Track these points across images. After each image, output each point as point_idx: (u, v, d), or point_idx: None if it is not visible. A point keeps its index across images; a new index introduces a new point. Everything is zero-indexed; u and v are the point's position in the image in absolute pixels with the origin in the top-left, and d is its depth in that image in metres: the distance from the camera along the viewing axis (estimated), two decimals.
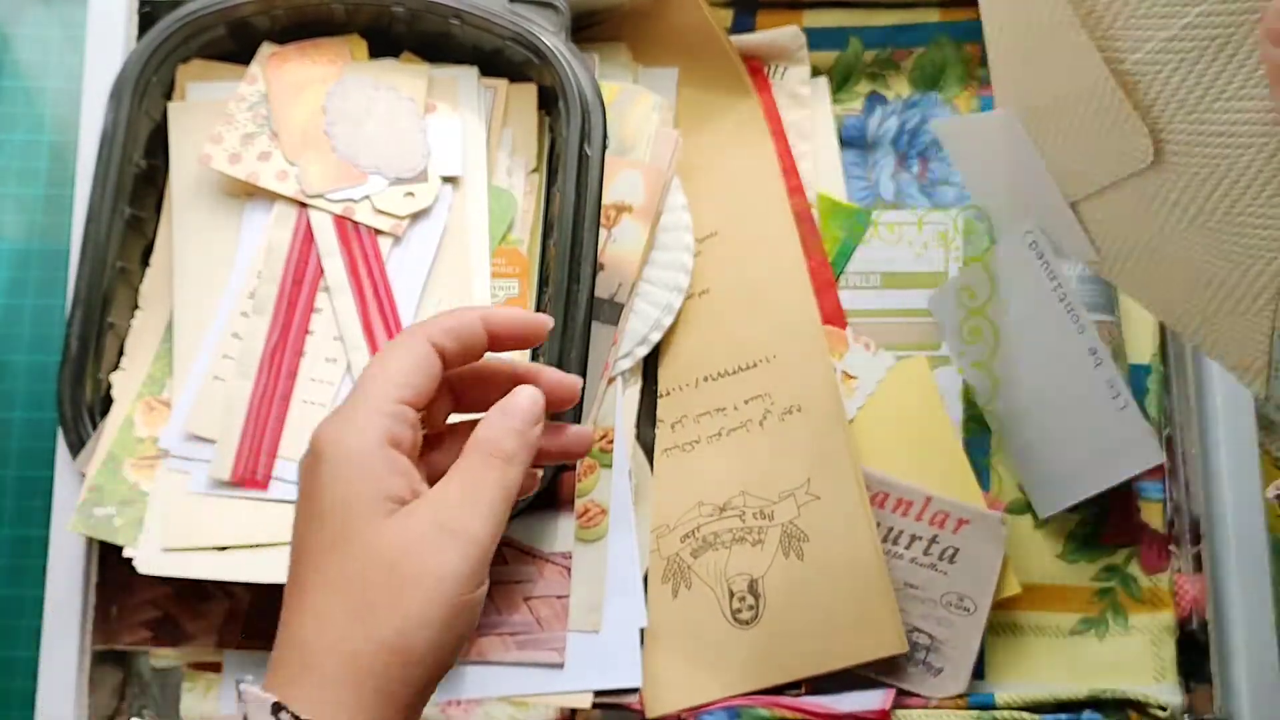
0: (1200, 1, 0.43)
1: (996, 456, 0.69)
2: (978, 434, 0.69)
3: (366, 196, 0.65)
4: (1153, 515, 0.68)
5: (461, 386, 0.49)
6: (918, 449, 0.68)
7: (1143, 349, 0.69)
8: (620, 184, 0.68)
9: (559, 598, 0.65)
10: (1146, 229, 0.49)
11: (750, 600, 0.66)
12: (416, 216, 0.65)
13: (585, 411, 0.63)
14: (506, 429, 0.45)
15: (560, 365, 0.62)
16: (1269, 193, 0.44)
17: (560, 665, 0.64)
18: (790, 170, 0.72)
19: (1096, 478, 0.65)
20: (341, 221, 0.65)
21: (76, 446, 0.63)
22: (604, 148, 0.64)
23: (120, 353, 0.65)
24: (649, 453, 0.68)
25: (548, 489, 0.63)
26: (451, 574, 0.42)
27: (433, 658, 0.42)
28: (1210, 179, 0.45)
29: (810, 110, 0.73)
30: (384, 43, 0.68)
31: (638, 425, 0.68)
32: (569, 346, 0.62)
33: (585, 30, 0.73)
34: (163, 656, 0.66)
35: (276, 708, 0.40)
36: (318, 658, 0.41)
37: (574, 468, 0.65)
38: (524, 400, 0.46)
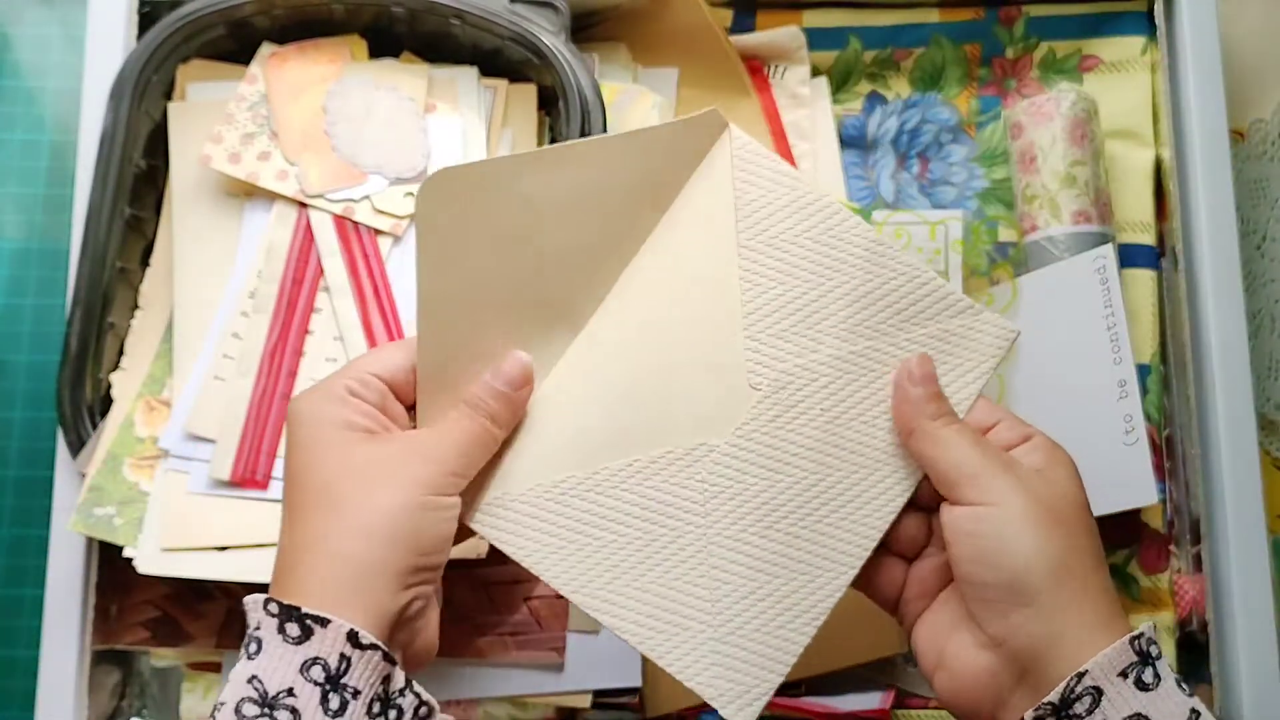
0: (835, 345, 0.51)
1: None
2: None
3: (366, 196, 0.65)
4: (1153, 515, 0.68)
5: None
6: None
7: (1143, 349, 0.69)
8: None
9: (559, 598, 0.65)
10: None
11: None
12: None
13: None
14: (490, 388, 0.50)
15: None
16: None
17: (560, 665, 0.64)
18: None
19: None
20: (341, 221, 0.65)
21: (76, 446, 0.62)
22: None
23: (120, 353, 0.65)
24: None
25: None
26: (417, 477, 0.47)
27: (405, 543, 0.46)
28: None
29: (810, 110, 0.73)
30: (384, 43, 0.68)
31: None
32: None
33: (585, 30, 0.73)
34: (163, 656, 0.66)
35: (266, 601, 0.44)
36: (297, 555, 0.46)
37: None
38: (511, 364, 0.50)
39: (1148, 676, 0.45)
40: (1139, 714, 0.44)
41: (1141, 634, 0.45)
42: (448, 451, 0.48)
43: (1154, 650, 0.45)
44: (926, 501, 0.53)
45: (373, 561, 0.45)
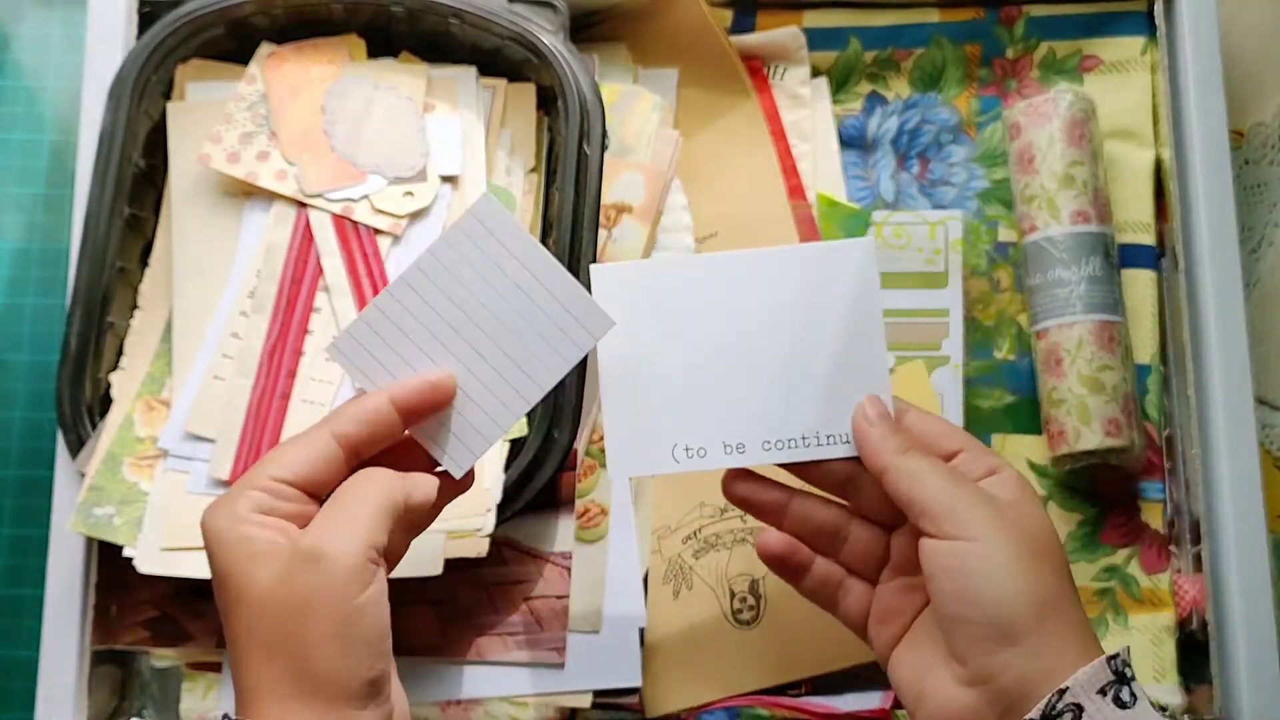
0: None
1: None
2: (979, 435, 0.69)
3: (365, 196, 0.65)
4: (1153, 515, 0.68)
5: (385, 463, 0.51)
6: None
7: (1143, 349, 0.69)
8: (621, 185, 0.68)
9: (559, 598, 0.65)
10: None
11: (751, 601, 0.66)
12: (415, 216, 0.65)
13: (586, 411, 0.63)
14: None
15: None
16: None
17: (560, 665, 0.64)
18: (790, 170, 0.72)
19: None
20: (340, 221, 0.65)
21: (76, 446, 0.62)
22: (603, 147, 0.64)
23: (120, 352, 0.65)
24: None
25: (547, 489, 0.63)
26: (332, 591, 0.45)
27: (346, 661, 0.45)
28: None
29: (810, 110, 0.73)
30: (383, 42, 0.68)
31: None
32: None
33: (585, 30, 0.73)
34: (163, 656, 0.66)
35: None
36: (261, 695, 0.45)
37: (574, 467, 0.65)
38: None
39: (1125, 695, 0.45)
40: None
41: (1118, 655, 0.46)
42: (358, 537, 0.46)
43: (1129, 671, 0.46)
44: (882, 520, 0.53)
45: (332, 693, 0.44)
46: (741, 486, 0.55)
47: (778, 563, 0.55)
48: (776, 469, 0.55)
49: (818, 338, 0.54)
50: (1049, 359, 0.67)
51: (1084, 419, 0.66)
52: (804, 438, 0.53)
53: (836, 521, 0.54)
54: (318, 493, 0.48)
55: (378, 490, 0.47)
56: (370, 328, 0.51)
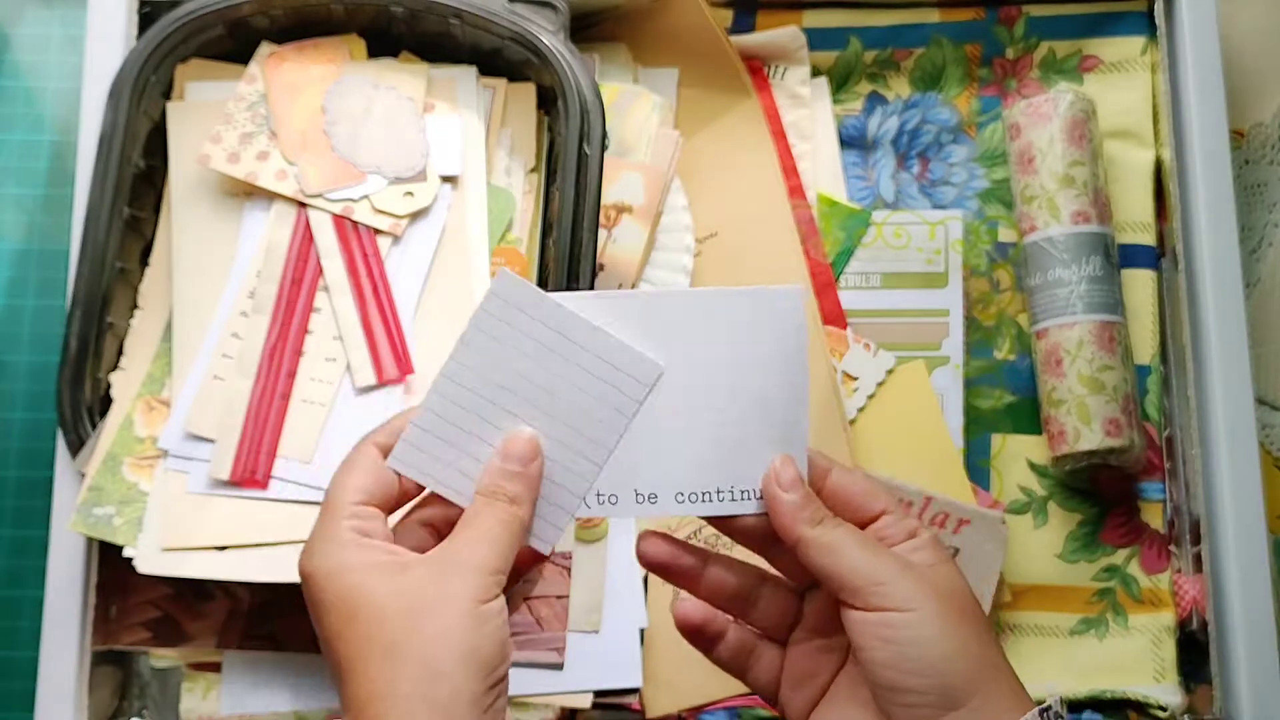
0: None
1: (997, 459, 0.69)
2: (979, 435, 0.69)
3: (365, 196, 0.65)
4: (1153, 515, 0.68)
5: None
6: (916, 451, 0.68)
7: (1143, 349, 0.69)
8: (621, 185, 0.68)
9: (559, 598, 0.65)
10: None
11: None
12: (415, 216, 0.65)
13: None
14: (504, 471, 0.49)
15: None
16: None
17: (560, 665, 0.64)
18: (790, 170, 0.72)
19: None
20: (340, 221, 0.65)
21: (76, 446, 0.62)
22: (603, 147, 0.64)
23: (120, 353, 0.65)
24: None
25: None
26: (455, 593, 0.45)
27: (471, 665, 0.45)
28: None
29: (810, 110, 0.73)
30: (383, 42, 0.68)
31: None
32: None
33: (585, 30, 0.73)
34: (163, 656, 0.66)
35: None
36: (374, 707, 0.44)
37: None
38: (517, 443, 0.50)
39: None
40: None
41: (1049, 707, 0.46)
42: (481, 553, 0.47)
43: None
44: (801, 580, 0.52)
45: (448, 696, 0.44)
46: (656, 549, 0.53)
47: (695, 631, 0.54)
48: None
49: (739, 387, 0.51)
50: (1049, 359, 0.68)
51: (1084, 419, 0.66)
52: (718, 491, 0.51)
53: (750, 586, 0.53)
54: (388, 508, 0.50)
55: (509, 520, 0.49)
56: (425, 430, 0.50)
